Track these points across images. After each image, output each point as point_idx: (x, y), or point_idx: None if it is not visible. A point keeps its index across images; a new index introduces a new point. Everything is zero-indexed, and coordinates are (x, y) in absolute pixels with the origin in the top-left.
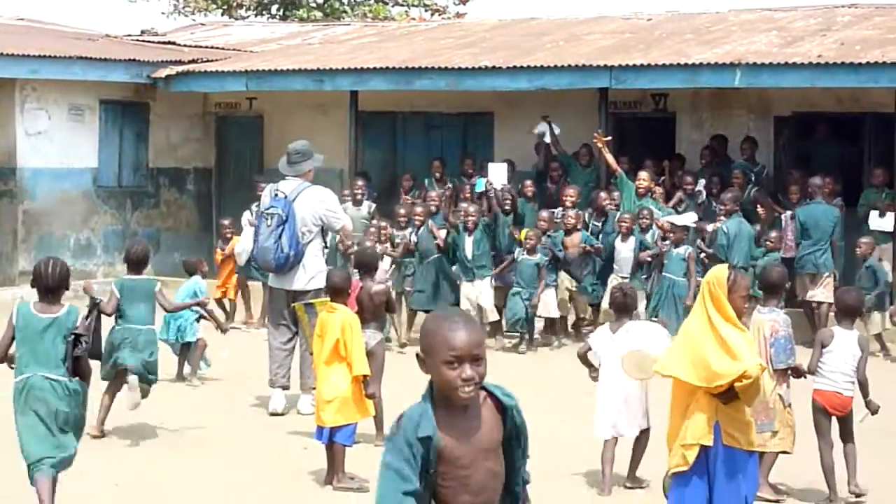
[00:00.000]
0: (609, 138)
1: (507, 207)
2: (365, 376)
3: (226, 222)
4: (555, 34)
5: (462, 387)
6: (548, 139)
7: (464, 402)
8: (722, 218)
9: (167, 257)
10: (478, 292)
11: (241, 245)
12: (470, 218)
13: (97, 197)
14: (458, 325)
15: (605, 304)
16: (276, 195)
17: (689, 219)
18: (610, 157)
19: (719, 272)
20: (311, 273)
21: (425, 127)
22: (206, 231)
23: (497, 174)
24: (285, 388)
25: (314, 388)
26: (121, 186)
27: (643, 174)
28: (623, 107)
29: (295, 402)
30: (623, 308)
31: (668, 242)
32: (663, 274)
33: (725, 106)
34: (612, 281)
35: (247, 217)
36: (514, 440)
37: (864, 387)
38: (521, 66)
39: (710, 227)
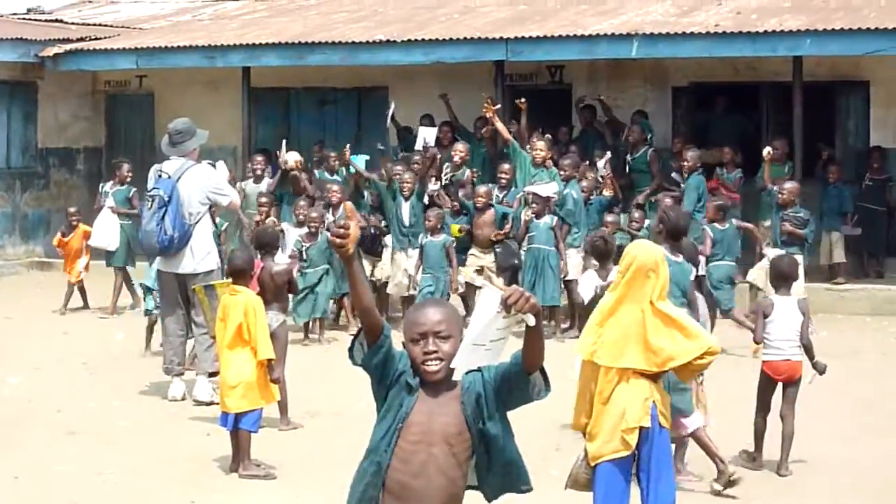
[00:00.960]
0: (498, 106)
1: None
2: (269, 360)
3: (72, 210)
4: (449, 7)
5: (426, 360)
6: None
7: (430, 379)
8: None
9: None
10: (412, 262)
11: (98, 234)
12: (406, 184)
13: None
14: (424, 305)
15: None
16: (160, 176)
17: (550, 189)
18: (501, 126)
19: (652, 251)
20: (200, 255)
21: (319, 102)
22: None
23: (429, 138)
24: (181, 374)
25: (211, 374)
26: (9, 168)
27: (539, 143)
28: (519, 79)
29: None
30: (606, 254)
31: (530, 213)
32: (532, 246)
33: (622, 77)
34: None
35: (104, 202)
36: (478, 414)
37: (808, 350)
38: (416, 40)
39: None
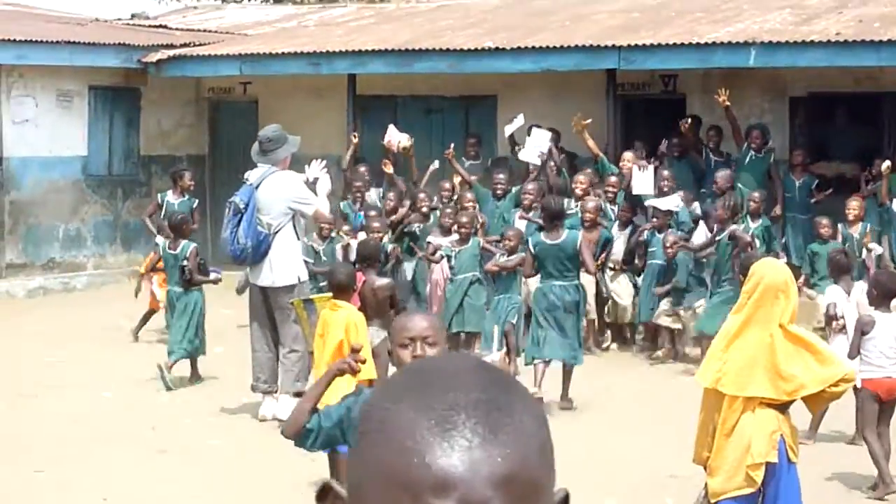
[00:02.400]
0: (589, 121)
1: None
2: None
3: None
4: (559, 14)
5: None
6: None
7: None
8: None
9: None
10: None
11: None
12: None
13: (87, 186)
14: (413, 313)
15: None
16: (245, 183)
17: (672, 202)
18: (590, 141)
19: (781, 270)
20: (279, 268)
21: (426, 111)
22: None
23: (539, 141)
24: (269, 393)
25: (296, 394)
26: (111, 175)
27: (627, 154)
28: (631, 88)
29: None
30: (847, 269)
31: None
32: (651, 262)
33: (737, 87)
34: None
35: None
36: None
37: None
38: (526, 47)
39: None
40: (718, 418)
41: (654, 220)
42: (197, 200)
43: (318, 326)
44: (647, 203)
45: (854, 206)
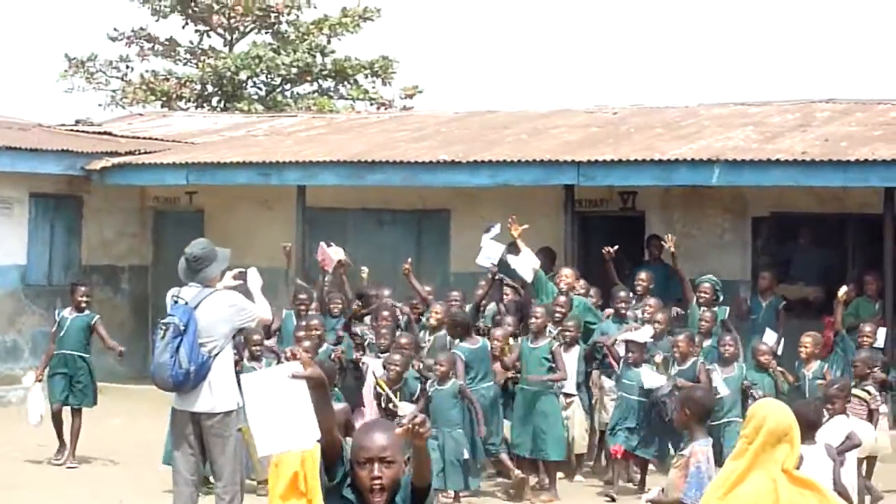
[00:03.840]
0: (525, 226)
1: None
2: None
3: None
4: (516, 127)
5: (373, 487)
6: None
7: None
8: None
9: (100, 360)
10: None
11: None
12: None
13: (25, 296)
14: (371, 427)
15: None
16: (177, 302)
17: (645, 334)
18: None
19: (785, 414)
20: (220, 392)
21: (377, 224)
22: (141, 333)
23: (491, 251)
24: None
25: None
26: (51, 285)
27: (566, 270)
28: (588, 205)
29: None
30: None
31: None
32: (625, 396)
33: (698, 205)
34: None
35: (61, 331)
36: None
37: (844, 496)
38: (482, 161)
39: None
40: None
41: (631, 354)
42: (97, 316)
43: (274, 455)
44: (620, 337)
45: (806, 342)
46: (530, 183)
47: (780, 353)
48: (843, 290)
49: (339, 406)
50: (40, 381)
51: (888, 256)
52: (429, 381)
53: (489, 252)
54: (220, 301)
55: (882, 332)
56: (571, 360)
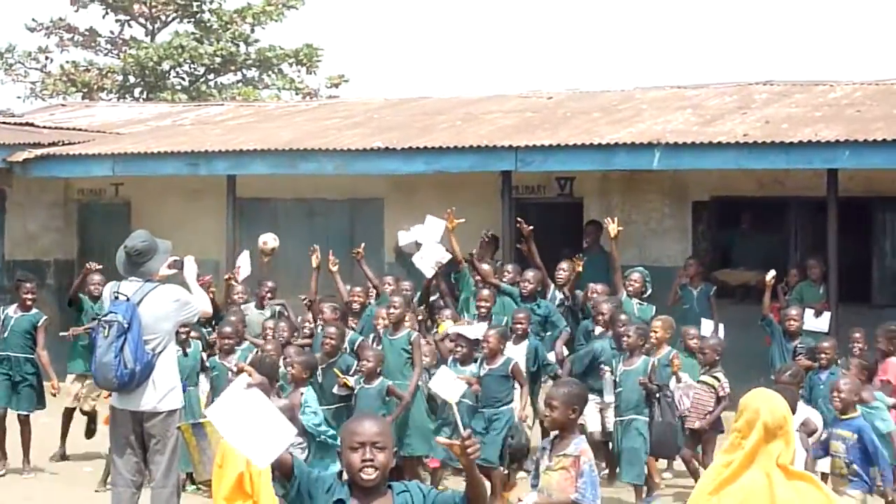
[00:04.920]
0: (462, 220)
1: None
2: None
3: None
4: (450, 113)
5: (363, 467)
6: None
7: (365, 484)
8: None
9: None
10: None
11: None
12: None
13: None
14: (362, 416)
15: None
16: (117, 298)
17: (478, 331)
18: (456, 245)
19: (779, 406)
20: (164, 390)
21: (309, 214)
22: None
23: (432, 231)
24: None
25: None
26: None
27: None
28: (525, 191)
29: None
30: None
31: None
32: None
33: (637, 190)
34: None
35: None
36: None
37: None
38: (417, 148)
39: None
40: None
41: (460, 349)
42: (45, 317)
43: (217, 456)
44: (451, 329)
45: (656, 326)
46: (467, 169)
47: (722, 339)
48: (770, 274)
49: (280, 403)
50: None
51: (831, 240)
52: (354, 379)
53: (431, 255)
54: (164, 296)
55: (826, 316)
56: (520, 353)
